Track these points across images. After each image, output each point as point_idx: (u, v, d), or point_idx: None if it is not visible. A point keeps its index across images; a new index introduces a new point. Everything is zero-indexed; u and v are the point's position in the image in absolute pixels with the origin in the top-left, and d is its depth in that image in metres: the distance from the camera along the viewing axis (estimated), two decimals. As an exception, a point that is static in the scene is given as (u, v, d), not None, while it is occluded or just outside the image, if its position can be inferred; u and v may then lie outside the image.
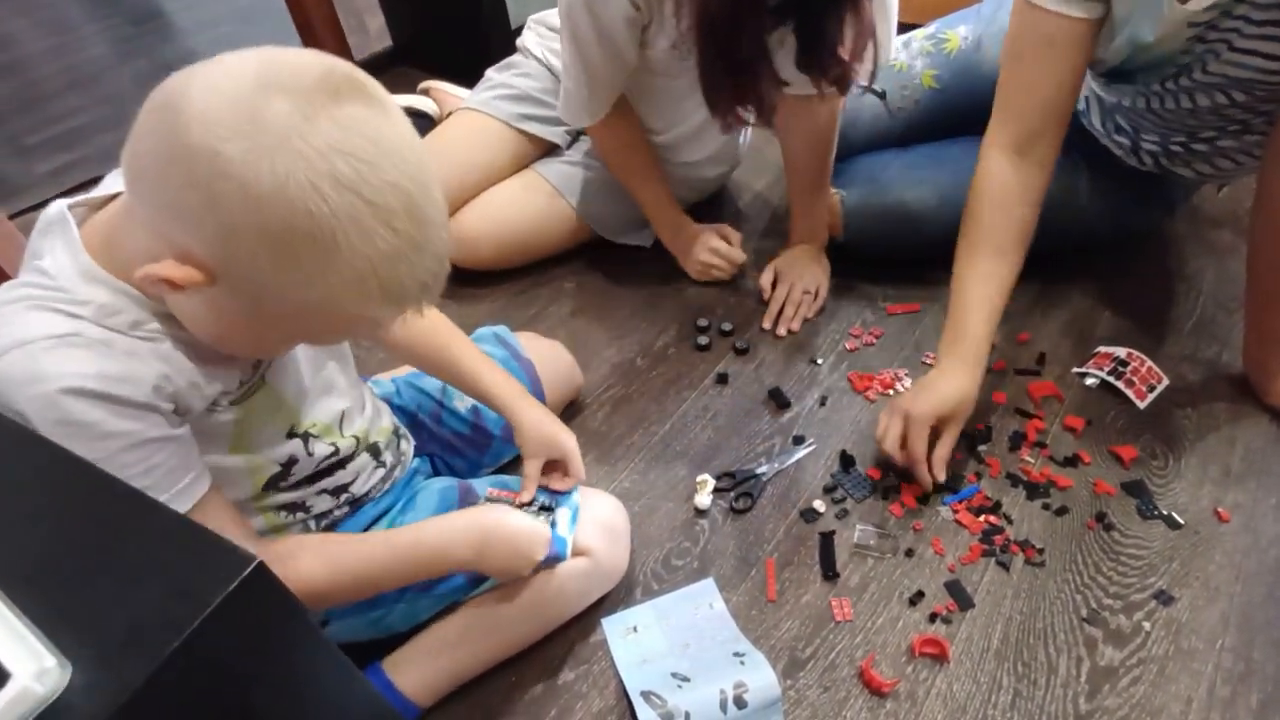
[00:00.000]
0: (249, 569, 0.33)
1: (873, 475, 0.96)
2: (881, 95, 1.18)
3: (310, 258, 0.45)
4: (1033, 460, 0.96)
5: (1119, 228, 1.16)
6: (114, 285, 0.51)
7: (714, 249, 1.20)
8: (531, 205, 1.25)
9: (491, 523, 0.73)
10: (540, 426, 0.81)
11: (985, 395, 1.03)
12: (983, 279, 0.92)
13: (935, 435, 0.90)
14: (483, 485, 0.84)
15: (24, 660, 0.29)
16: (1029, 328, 1.13)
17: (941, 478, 0.91)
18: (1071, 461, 0.96)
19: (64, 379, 0.47)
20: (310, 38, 1.93)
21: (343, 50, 1.96)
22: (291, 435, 0.67)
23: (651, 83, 1.11)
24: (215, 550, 0.35)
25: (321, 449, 0.70)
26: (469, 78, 1.41)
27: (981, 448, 0.98)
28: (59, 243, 0.52)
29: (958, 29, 1.16)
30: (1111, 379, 1.04)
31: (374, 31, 2.00)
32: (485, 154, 1.26)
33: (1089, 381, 1.05)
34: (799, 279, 1.18)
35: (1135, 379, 1.04)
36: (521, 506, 0.79)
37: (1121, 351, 1.07)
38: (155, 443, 0.52)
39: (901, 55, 1.17)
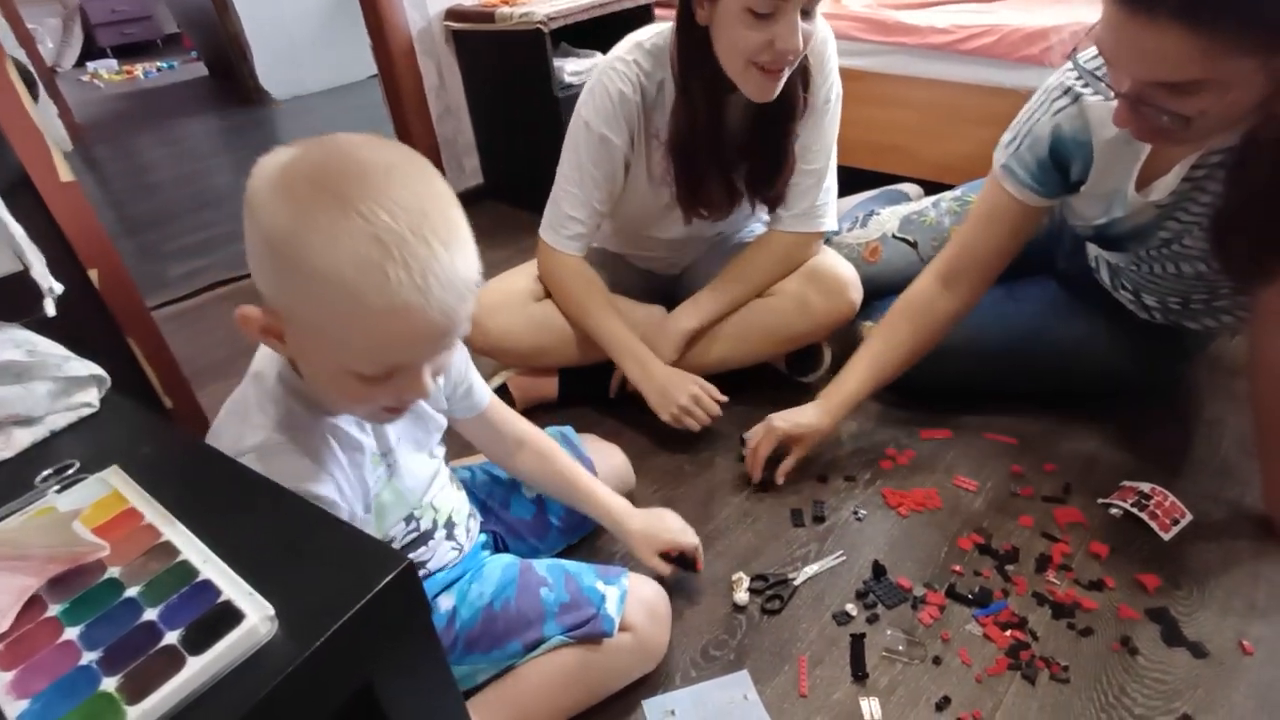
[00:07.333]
0: (403, 565, 0.45)
1: (903, 585, 1.02)
2: (914, 244, 1.33)
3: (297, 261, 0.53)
4: (1058, 582, 1.01)
5: (1138, 373, 1.25)
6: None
7: (695, 397, 1.22)
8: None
9: None
10: (648, 532, 0.97)
11: (1012, 518, 1.11)
12: (872, 356, 1.15)
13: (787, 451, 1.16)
14: (542, 565, 0.93)
15: (254, 609, 0.41)
16: (1055, 459, 1.21)
17: (779, 481, 1.16)
18: (1096, 585, 1.00)
19: None
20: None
21: (439, 185, 2.25)
22: (409, 520, 0.82)
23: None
24: (379, 550, 0.46)
25: (424, 524, 0.83)
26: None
27: (1009, 567, 1.03)
28: None
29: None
30: (1135, 510, 1.10)
31: (469, 170, 2.30)
32: None
33: (1113, 511, 1.11)
34: None
35: (1159, 512, 1.09)
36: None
37: (1145, 486, 1.13)
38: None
39: (931, 212, 1.34)
